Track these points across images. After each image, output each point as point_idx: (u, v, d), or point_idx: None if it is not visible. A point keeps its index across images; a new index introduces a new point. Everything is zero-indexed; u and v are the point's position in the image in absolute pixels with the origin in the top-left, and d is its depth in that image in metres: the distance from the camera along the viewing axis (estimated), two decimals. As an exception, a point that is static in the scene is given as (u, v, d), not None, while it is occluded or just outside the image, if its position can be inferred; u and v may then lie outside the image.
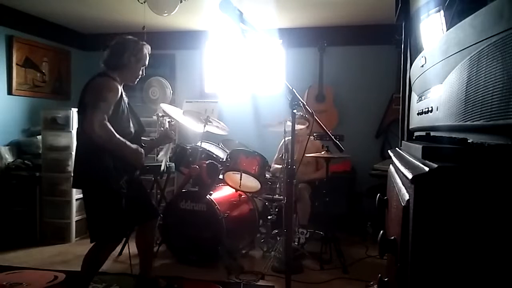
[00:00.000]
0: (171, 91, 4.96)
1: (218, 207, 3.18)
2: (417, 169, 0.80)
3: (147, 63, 2.50)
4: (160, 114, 2.64)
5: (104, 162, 2.24)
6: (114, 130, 2.22)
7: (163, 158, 2.84)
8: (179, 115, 3.70)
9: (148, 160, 3.60)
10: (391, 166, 1.31)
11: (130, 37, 2.46)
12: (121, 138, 2.25)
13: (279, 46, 4.89)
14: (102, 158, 2.24)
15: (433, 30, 1.20)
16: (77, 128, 2.35)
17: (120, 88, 2.35)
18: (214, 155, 3.67)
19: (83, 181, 2.33)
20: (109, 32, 4.47)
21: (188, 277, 3.01)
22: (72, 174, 2.39)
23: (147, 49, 2.49)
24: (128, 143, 2.30)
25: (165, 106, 3.76)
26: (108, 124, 2.19)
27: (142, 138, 2.57)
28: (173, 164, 3.62)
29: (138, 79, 2.51)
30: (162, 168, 3.02)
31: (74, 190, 3.79)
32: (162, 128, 2.64)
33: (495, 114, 0.70)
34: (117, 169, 2.28)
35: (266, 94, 4.86)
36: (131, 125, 2.44)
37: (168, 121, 2.64)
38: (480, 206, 0.71)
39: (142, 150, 2.40)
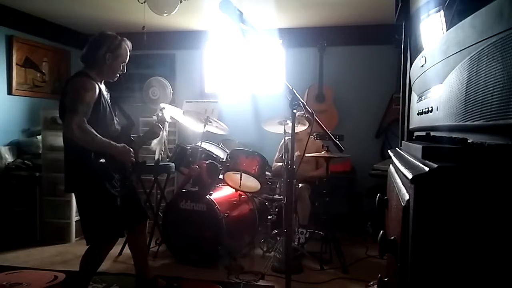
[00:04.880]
0: (171, 91, 4.97)
1: (218, 207, 3.17)
2: (417, 169, 0.80)
3: (127, 59, 2.41)
4: (160, 114, 2.63)
5: (92, 163, 2.20)
6: (97, 129, 2.18)
7: (157, 148, 2.80)
8: (179, 115, 3.70)
9: (148, 160, 3.60)
10: (391, 166, 1.31)
11: (109, 32, 2.36)
12: (104, 139, 2.19)
13: (279, 46, 4.89)
14: (90, 159, 2.20)
15: (433, 30, 1.20)
16: (63, 132, 2.29)
17: (98, 86, 2.28)
18: (214, 155, 3.67)
19: (75, 184, 2.30)
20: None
21: (188, 277, 3.01)
22: (64, 179, 2.31)
23: (126, 45, 2.39)
24: (112, 143, 2.24)
25: (164, 106, 3.75)
26: (88, 126, 2.14)
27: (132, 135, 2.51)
28: (173, 164, 3.62)
29: (118, 76, 2.42)
30: (156, 157, 2.98)
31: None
32: (156, 116, 2.59)
33: (495, 114, 0.70)
34: (107, 169, 2.25)
35: (266, 94, 4.86)
36: (115, 122, 2.40)
37: (157, 114, 2.60)
38: (480, 206, 0.71)
39: (129, 147, 2.33)
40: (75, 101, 2.15)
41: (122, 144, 2.31)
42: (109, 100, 2.40)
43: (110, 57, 2.32)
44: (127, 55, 2.41)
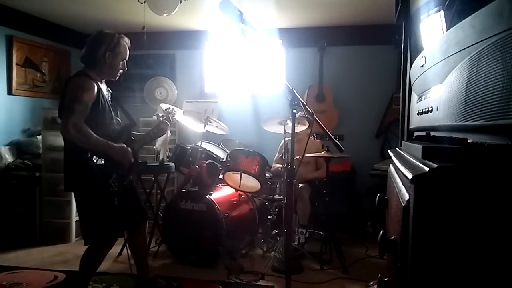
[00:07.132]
0: (176, 91, 4.99)
1: (218, 207, 3.17)
2: (417, 169, 0.80)
3: (127, 56, 2.40)
4: (160, 114, 2.64)
5: (89, 162, 2.20)
6: (96, 129, 2.17)
7: (161, 148, 2.80)
8: (179, 115, 3.70)
9: (149, 159, 3.61)
10: (391, 166, 1.31)
11: (107, 31, 2.35)
12: (100, 139, 2.19)
13: (279, 46, 4.89)
14: (86, 158, 2.20)
15: (433, 30, 1.20)
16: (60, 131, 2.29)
17: (98, 85, 2.26)
18: (214, 155, 3.67)
19: (73, 183, 2.29)
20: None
21: (188, 277, 3.01)
22: (63, 178, 2.31)
23: (125, 42, 2.37)
24: (109, 143, 2.23)
25: (164, 106, 3.76)
26: (84, 125, 2.14)
27: (133, 132, 2.50)
28: (173, 164, 3.62)
29: (119, 74, 2.42)
30: (161, 157, 2.97)
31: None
32: (156, 116, 2.58)
33: (495, 114, 0.70)
34: (104, 168, 2.25)
35: (266, 94, 4.86)
36: (115, 122, 2.39)
37: (157, 114, 2.60)
38: (480, 206, 0.71)
39: (128, 147, 2.32)
40: (72, 101, 2.15)
41: (120, 145, 2.30)
42: (109, 99, 2.39)
43: (110, 55, 2.31)
44: (126, 52, 2.40)
